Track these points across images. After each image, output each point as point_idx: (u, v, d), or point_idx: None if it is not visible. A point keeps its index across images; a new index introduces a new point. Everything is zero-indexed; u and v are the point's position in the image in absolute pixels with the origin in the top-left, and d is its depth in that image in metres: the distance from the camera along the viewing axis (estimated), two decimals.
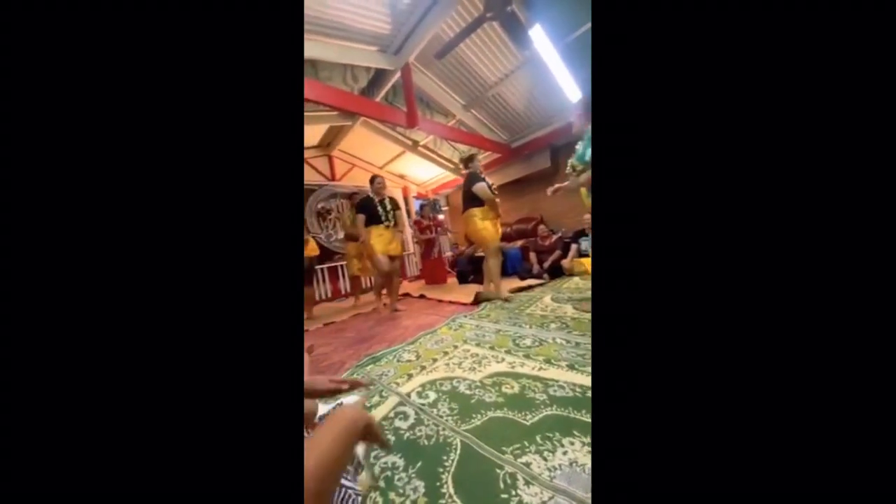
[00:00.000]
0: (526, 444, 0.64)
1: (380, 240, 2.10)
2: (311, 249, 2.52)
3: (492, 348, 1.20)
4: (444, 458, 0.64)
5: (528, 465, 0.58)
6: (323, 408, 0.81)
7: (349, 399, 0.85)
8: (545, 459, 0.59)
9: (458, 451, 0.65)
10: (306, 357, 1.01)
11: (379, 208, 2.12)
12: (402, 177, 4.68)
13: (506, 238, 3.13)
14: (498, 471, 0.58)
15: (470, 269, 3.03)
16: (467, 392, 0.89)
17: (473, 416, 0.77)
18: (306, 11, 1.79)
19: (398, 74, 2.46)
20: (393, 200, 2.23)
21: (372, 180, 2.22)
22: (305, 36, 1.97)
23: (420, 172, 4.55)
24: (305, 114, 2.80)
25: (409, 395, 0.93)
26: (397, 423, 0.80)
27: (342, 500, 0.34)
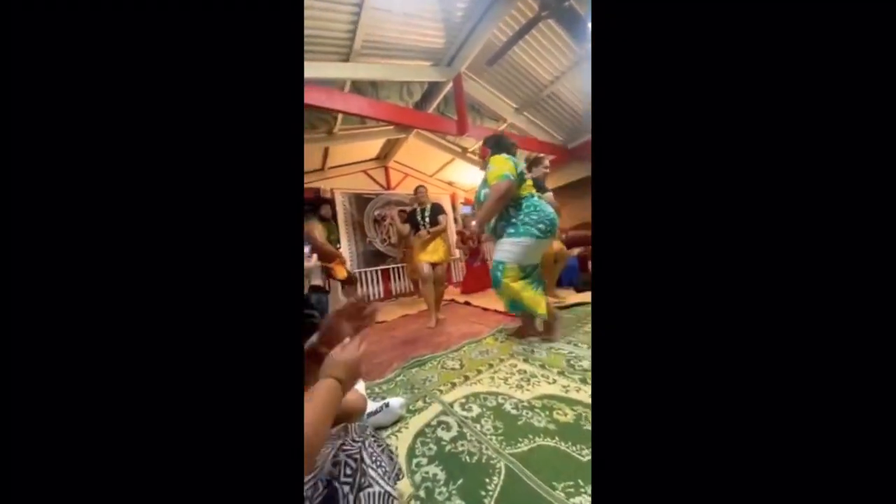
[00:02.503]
0: (581, 483, 0.56)
1: (421, 247, 2.16)
2: (339, 272, 2.46)
3: (542, 367, 1.10)
4: (487, 480, 0.60)
5: None
6: (372, 405, 0.85)
7: (395, 402, 0.87)
8: None
9: (503, 476, 0.61)
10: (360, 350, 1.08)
11: (418, 217, 2.20)
12: (450, 184, 4.78)
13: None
14: None
15: None
16: (514, 412, 0.83)
17: (520, 439, 0.71)
18: (366, 36, 1.97)
19: (450, 85, 2.53)
20: (434, 207, 2.23)
21: (415, 191, 2.32)
22: (366, 59, 2.18)
23: (469, 178, 4.59)
24: (366, 130, 3.09)
25: (451, 404, 0.91)
26: (439, 432, 0.79)
27: (376, 503, 0.34)
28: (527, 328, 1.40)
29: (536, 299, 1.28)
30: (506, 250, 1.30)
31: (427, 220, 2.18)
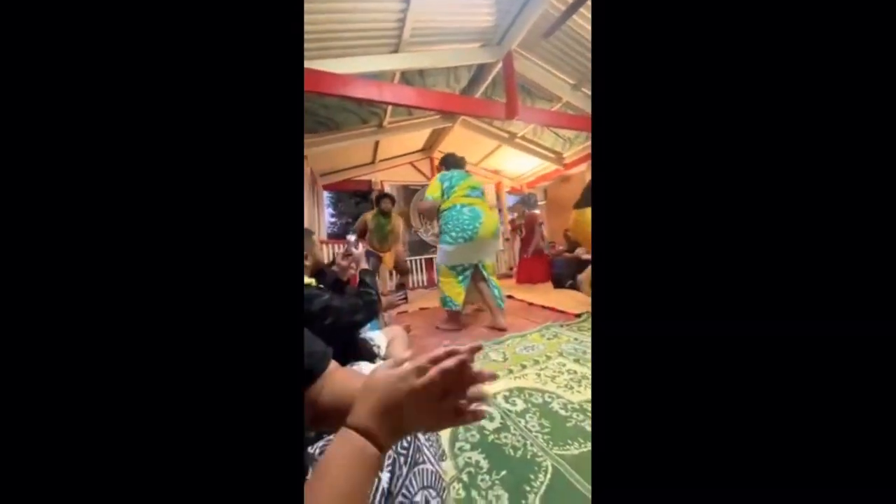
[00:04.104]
0: None
1: None
2: (387, 263, 2.57)
3: None
4: (532, 476, 0.58)
5: None
6: None
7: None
8: None
9: (549, 476, 0.58)
10: (404, 334, 1.13)
11: None
12: (496, 172, 4.61)
13: None
14: None
15: (569, 273, 2.68)
16: (562, 413, 0.79)
17: (569, 441, 0.67)
18: (415, 24, 1.95)
19: (499, 66, 2.40)
20: None
21: None
22: (415, 48, 2.17)
23: (516, 166, 4.36)
24: (413, 121, 3.14)
25: (494, 395, 0.90)
26: (482, 421, 0.78)
27: (427, 480, 0.35)
28: (452, 319, 1.67)
29: (456, 291, 1.60)
30: (438, 255, 1.69)
31: None
